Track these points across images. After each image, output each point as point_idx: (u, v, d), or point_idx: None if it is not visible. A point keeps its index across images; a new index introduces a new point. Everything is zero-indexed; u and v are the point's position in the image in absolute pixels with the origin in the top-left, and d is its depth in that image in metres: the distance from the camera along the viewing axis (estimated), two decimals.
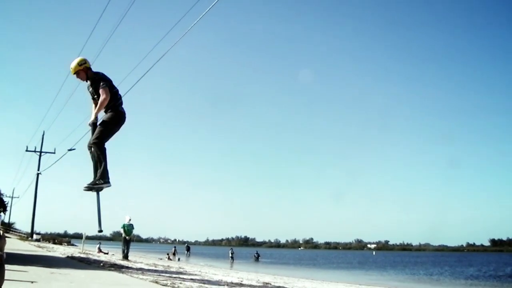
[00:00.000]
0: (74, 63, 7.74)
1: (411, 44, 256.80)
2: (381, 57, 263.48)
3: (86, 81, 7.86)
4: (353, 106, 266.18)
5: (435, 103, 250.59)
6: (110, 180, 7.61)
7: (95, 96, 7.78)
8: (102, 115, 7.85)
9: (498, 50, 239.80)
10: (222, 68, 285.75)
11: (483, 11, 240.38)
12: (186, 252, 48.27)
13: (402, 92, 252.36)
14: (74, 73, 7.80)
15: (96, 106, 7.84)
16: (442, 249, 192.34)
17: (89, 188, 7.59)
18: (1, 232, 3.64)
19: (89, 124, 7.87)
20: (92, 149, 7.53)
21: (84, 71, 7.76)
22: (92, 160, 7.60)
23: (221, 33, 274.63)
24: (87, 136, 8.69)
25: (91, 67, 7.94)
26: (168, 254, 42.50)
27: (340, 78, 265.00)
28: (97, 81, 7.68)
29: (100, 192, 7.76)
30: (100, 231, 7.64)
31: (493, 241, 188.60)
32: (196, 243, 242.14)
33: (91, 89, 7.86)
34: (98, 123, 7.75)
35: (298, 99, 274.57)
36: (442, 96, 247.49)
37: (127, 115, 7.97)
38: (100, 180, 7.49)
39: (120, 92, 8.08)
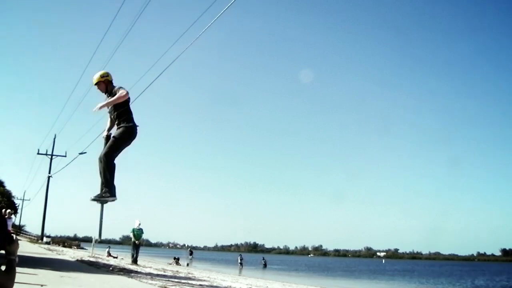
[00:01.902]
0: (97, 75, 7.93)
1: (411, 48, 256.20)
2: (381, 61, 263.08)
3: (105, 94, 7.95)
4: (356, 109, 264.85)
5: (441, 107, 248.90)
6: (116, 195, 7.72)
7: (112, 110, 7.88)
8: (114, 131, 7.91)
9: (498, 54, 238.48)
10: (225, 72, 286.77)
11: (484, 15, 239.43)
12: (189, 256, 47.88)
13: (402, 96, 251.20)
14: (95, 84, 7.96)
15: (111, 121, 8.03)
16: (452, 258, 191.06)
17: (95, 199, 7.76)
18: (14, 236, 3.64)
19: (103, 137, 8.06)
20: (101, 162, 7.65)
21: (105, 83, 7.91)
22: (100, 173, 7.71)
23: (223, 35, 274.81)
24: (99, 140, 8.74)
25: (112, 81, 8.04)
26: (174, 258, 42.42)
27: (341, 81, 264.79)
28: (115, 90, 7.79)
29: (104, 205, 7.92)
30: (100, 241, 7.87)
31: (504, 251, 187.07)
32: (205, 248, 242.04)
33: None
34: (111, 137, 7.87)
35: (302, 102, 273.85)
36: (445, 100, 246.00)
37: (138, 130, 7.98)
38: (106, 193, 7.63)
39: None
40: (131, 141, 7.88)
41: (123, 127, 7.71)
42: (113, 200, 7.75)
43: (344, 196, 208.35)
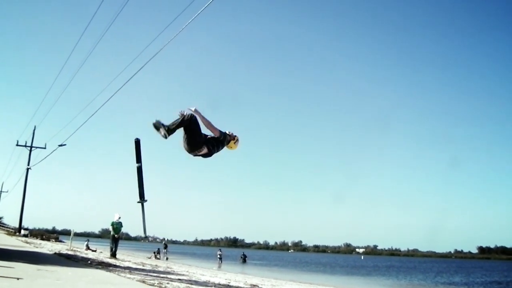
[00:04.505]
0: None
1: (411, 47, 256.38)
2: (381, 60, 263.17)
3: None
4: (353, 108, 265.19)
5: (435, 106, 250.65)
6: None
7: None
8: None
9: (499, 53, 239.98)
10: (222, 68, 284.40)
11: (484, 14, 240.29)
12: (163, 250, 47.49)
13: (402, 95, 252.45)
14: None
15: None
16: (430, 255, 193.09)
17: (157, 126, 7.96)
18: None
19: (181, 113, 8.00)
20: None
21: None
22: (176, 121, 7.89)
23: (220, 34, 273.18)
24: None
25: None
26: (154, 252, 42.42)
27: (339, 80, 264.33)
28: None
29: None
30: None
31: (480, 249, 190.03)
32: (185, 242, 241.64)
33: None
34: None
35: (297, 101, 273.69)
36: (446, 99, 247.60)
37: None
38: (166, 127, 7.85)
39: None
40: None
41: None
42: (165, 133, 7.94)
43: (332, 195, 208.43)
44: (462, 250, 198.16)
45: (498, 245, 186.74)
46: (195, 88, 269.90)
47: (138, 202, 9.50)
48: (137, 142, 9.88)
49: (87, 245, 32.65)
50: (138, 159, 9.80)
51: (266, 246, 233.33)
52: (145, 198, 9.47)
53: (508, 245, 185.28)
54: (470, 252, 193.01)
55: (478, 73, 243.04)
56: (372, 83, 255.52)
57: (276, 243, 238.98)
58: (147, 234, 9.98)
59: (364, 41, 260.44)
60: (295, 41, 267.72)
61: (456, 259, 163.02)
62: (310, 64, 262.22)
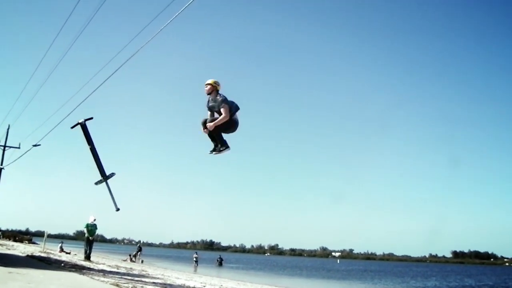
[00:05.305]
0: (212, 79, 9.31)
1: (410, 50, 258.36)
2: (379, 62, 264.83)
3: (208, 95, 9.33)
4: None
5: (434, 109, 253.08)
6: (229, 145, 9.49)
7: (214, 111, 9.36)
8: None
9: (498, 55, 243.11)
10: (220, 72, 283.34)
11: (482, 16, 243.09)
12: (138, 253, 46.82)
13: (401, 98, 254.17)
14: (207, 85, 9.29)
15: (213, 115, 9.46)
16: (405, 259, 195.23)
17: (217, 152, 9.43)
18: None
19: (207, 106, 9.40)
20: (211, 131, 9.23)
21: (213, 88, 9.29)
22: (209, 136, 9.41)
23: (221, 39, 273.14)
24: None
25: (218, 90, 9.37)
26: (130, 255, 41.94)
27: (338, 83, 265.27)
28: (218, 101, 9.18)
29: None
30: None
31: (454, 253, 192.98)
32: (161, 245, 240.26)
33: (210, 104, 9.36)
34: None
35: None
36: (444, 102, 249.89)
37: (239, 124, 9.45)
38: (223, 147, 9.42)
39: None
40: (232, 130, 9.42)
41: (229, 121, 9.20)
42: (228, 150, 9.42)
43: (307, 200, 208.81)
44: (436, 255, 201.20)
45: (472, 249, 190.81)
46: (185, 94, 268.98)
47: (99, 182, 9.72)
48: (83, 125, 10.00)
49: (61, 247, 32.20)
50: (89, 141, 9.95)
51: (242, 249, 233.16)
52: (107, 175, 9.76)
53: (481, 250, 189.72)
54: (444, 257, 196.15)
55: (477, 76, 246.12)
56: (371, 86, 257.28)
57: (252, 246, 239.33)
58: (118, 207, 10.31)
59: (362, 45, 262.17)
60: (294, 45, 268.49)
61: (431, 263, 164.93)
62: (308, 67, 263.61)
